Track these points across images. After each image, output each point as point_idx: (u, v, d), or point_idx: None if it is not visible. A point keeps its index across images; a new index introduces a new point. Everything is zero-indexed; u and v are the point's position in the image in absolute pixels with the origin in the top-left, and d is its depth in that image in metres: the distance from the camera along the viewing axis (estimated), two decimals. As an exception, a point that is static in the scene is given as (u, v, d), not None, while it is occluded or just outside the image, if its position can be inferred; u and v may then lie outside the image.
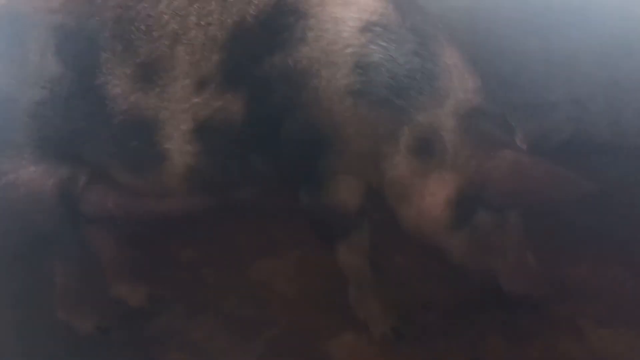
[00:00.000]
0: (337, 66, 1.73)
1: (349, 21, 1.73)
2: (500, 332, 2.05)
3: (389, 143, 1.79)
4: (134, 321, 2.39)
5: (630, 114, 2.57)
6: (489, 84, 1.92)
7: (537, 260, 1.87)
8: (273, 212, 2.41)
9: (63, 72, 1.82)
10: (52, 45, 1.81)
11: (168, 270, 2.62)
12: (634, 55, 2.49)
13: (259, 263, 2.66)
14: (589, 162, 2.43)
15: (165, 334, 2.32)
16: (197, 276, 2.62)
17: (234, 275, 2.62)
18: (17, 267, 2.37)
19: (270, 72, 1.76)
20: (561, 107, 2.59)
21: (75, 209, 2.05)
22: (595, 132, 2.54)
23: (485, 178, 1.71)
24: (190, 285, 2.58)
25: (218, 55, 1.76)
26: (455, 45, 1.84)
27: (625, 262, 2.24)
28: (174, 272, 2.62)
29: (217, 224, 2.60)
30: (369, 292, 2.09)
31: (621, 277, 2.20)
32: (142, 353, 2.24)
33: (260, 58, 1.76)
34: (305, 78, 1.74)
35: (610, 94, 2.61)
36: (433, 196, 1.79)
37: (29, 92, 1.83)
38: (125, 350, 2.25)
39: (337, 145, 1.81)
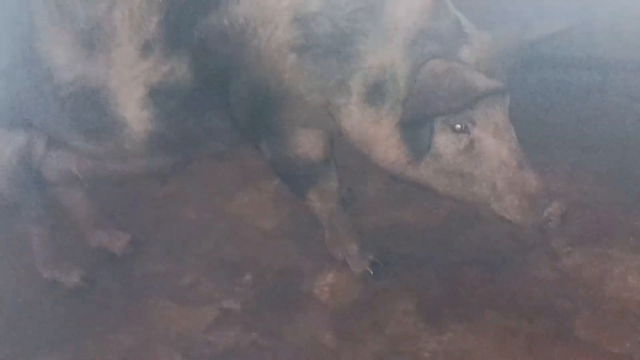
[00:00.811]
0: (274, 22, 1.66)
1: None
2: (475, 260, 2.09)
3: (340, 93, 1.73)
4: (117, 268, 2.43)
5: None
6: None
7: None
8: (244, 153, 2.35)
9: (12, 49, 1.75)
10: None
11: (145, 213, 2.63)
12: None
13: (237, 196, 2.67)
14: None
15: (150, 279, 2.36)
16: (174, 215, 2.64)
17: (213, 211, 2.64)
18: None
19: (208, 33, 1.69)
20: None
21: (37, 174, 2.03)
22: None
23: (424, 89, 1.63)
24: (169, 225, 2.60)
25: (156, 17, 1.69)
26: None
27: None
28: (151, 213, 2.64)
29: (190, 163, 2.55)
30: (344, 233, 2.10)
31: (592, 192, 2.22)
32: (130, 300, 2.29)
33: (196, 18, 1.69)
34: (244, 38, 1.68)
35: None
36: (387, 140, 1.74)
37: None
38: (113, 299, 2.30)
39: (288, 102, 1.76)
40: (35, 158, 1.98)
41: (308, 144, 1.86)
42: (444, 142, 1.70)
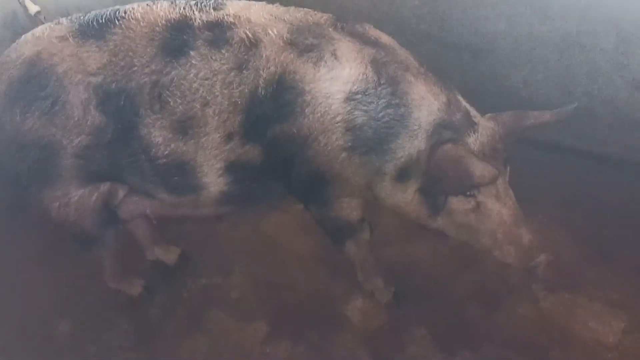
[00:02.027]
0: (330, 132, 2.13)
1: (336, 94, 2.08)
2: (474, 295, 2.69)
3: (377, 177, 2.23)
4: (174, 281, 2.89)
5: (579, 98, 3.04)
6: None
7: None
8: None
9: (106, 123, 2.13)
10: (94, 101, 2.10)
11: (193, 230, 3.07)
12: (586, 47, 2.89)
13: (269, 217, 3.14)
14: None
15: (204, 292, 2.84)
16: (218, 232, 3.09)
17: (250, 230, 3.11)
18: (71, 260, 2.83)
19: (278, 135, 2.14)
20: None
21: (113, 213, 2.44)
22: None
23: (437, 172, 2.14)
24: (214, 242, 3.06)
25: (239, 117, 2.11)
26: (421, 75, 2.15)
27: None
28: (198, 231, 3.08)
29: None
30: (372, 272, 2.67)
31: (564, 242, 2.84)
32: (190, 310, 2.76)
33: (270, 123, 2.13)
34: (307, 141, 2.15)
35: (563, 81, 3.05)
36: (412, 202, 2.26)
37: (75, 139, 2.14)
38: (174, 308, 2.77)
39: (337, 183, 2.25)
40: (114, 202, 2.38)
41: (349, 209, 2.37)
42: (456, 203, 2.23)
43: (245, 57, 2.07)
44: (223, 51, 2.07)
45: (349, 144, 2.13)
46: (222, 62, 2.07)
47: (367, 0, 3.42)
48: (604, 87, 3.00)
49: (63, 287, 2.88)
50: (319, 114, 2.09)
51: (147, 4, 2.18)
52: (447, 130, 2.14)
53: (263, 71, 2.07)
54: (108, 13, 2.16)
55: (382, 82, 2.10)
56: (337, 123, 2.10)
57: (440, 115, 2.14)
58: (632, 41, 2.85)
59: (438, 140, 2.13)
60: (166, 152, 2.16)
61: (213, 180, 2.24)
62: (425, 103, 2.13)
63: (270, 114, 2.10)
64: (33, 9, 3.36)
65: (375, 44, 2.17)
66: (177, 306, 2.79)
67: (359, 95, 2.08)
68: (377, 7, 3.37)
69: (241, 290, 2.84)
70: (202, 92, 2.08)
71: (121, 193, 2.38)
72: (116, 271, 2.75)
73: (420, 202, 2.25)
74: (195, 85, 2.08)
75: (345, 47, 2.12)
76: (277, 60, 2.07)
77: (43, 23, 3.33)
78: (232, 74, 2.07)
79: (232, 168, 2.21)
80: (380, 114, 2.10)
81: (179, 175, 2.23)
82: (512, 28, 3.03)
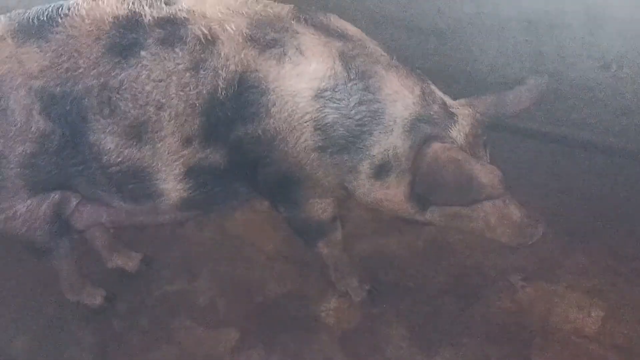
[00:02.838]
0: (299, 132, 1.99)
1: (303, 92, 1.95)
2: (451, 289, 2.61)
3: (352, 175, 2.10)
4: (137, 289, 2.74)
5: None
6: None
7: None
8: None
9: (52, 129, 1.96)
10: (37, 106, 1.93)
11: (154, 234, 2.92)
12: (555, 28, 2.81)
13: (236, 217, 3.00)
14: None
15: (169, 299, 2.70)
16: (181, 235, 2.94)
17: (215, 231, 2.97)
18: (22, 271, 2.68)
19: (243, 137, 2.00)
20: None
21: (66, 222, 2.27)
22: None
23: (432, 179, 2.03)
24: (177, 245, 2.91)
25: (198, 120, 1.97)
26: (392, 68, 2.03)
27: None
28: (159, 233, 2.93)
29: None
30: (346, 271, 2.56)
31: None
32: (155, 320, 2.62)
33: (233, 125, 1.99)
34: (274, 142, 2.01)
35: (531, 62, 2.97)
36: (395, 198, 2.15)
37: (18, 148, 1.98)
38: (138, 319, 2.62)
39: (308, 183, 2.12)
40: (66, 211, 2.22)
41: (320, 210, 2.25)
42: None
43: (202, 55, 1.92)
44: (177, 50, 1.91)
45: (320, 143, 2.00)
46: (176, 62, 1.91)
47: (327, -16, 3.29)
48: (573, 68, 2.93)
49: (17, 299, 2.72)
50: (286, 114, 1.96)
51: (93, 0, 1.99)
52: (425, 125, 2.03)
53: (222, 70, 1.92)
54: (50, 10, 1.97)
55: (352, 77, 1.97)
56: (305, 122, 1.97)
57: (417, 109, 2.03)
58: (601, 19, 2.78)
59: (420, 137, 2.02)
60: (119, 159, 2.00)
61: (172, 186, 2.09)
62: (400, 97, 2.01)
63: (232, 116, 1.96)
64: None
65: (341, 36, 2.03)
66: (142, 316, 2.64)
67: (328, 92, 1.95)
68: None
69: (209, 295, 2.71)
70: (156, 94, 1.93)
71: (73, 201, 2.21)
72: (74, 282, 2.58)
73: (407, 198, 2.13)
74: (147, 87, 1.92)
75: (310, 40, 1.98)
76: (237, 58, 1.93)
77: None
78: (188, 74, 1.92)
79: (192, 173, 2.06)
80: (352, 112, 1.98)
81: (135, 183, 2.07)
82: (478, 9, 2.93)
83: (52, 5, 2.00)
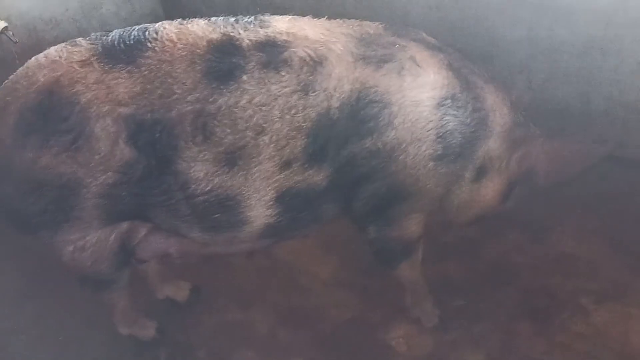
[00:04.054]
0: (421, 141, 1.98)
1: (426, 101, 1.96)
2: (523, 313, 2.52)
3: (458, 183, 2.14)
4: (189, 319, 2.58)
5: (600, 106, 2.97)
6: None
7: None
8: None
9: (137, 158, 1.84)
10: (124, 134, 1.81)
11: (204, 263, 2.76)
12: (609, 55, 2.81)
13: (285, 243, 2.86)
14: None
15: (224, 329, 2.54)
16: (230, 263, 2.80)
17: (266, 258, 2.83)
18: (80, 303, 2.50)
19: (357, 152, 1.95)
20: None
21: (130, 254, 2.15)
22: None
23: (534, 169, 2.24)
24: (228, 273, 2.76)
25: (302, 141, 1.89)
26: (488, 80, 2.14)
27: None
28: (209, 262, 2.77)
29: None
30: (422, 295, 2.47)
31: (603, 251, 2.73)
32: (211, 351, 2.46)
33: (347, 142, 1.93)
34: (394, 154, 1.98)
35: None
36: (490, 197, 2.22)
37: (100, 177, 1.85)
38: (194, 351, 2.46)
39: (417, 196, 2.09)
40: (133, 241, 2.10)
41: (415, 225, 2.21)
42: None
43: (310, 77, 1.85)
44: (283, 73, 1.84)
45: (439, 152, 2.00)
46: (282, 85, 1.84)
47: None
48: (626, 92, 2.91)
49: (61, 336, 2.54)
50: (409, 124, 1.94)
51: (180, 23, 1.91)
52: (519, 128, 2.17)
53: (335, 91, 1.87)
54: (135, 33, 1.88)
55: (464, 86, 2.01)
56: (428, 131, 1.96)
57: (511, 116, 2.14)
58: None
59: (515, 139, 2.15)
60: (208, 187, 1.89)
61: (260, 213, 1.98)
62: (498, 107, 2.09)
63: (346, 133, 1.91)
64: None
65: (439, 48, 2.05)
66: (199, 348, 2.48)
67: (449, 101, 1.97)
68: (379, 11, 3.19)
69: (267, 324, 2.57)
70: (257, 119, 1.84)
71: (142, 231, 2.08)
72: (127, 314, 2.42)
73: (499, 193, 2.22)
74: (248, 112, 1.83)
75: (420, 53, 1.99)
76: (351, 77, 1.89)
77: (11, 40, 3.01)
78: (295, 97, 1.85)
79: (284, 197, 1.97)
80: (469, 119, 2.01)
81: (221, 212, 1.96)
82: (530, 32, 2.90)
83: (136, 29, 1.90)
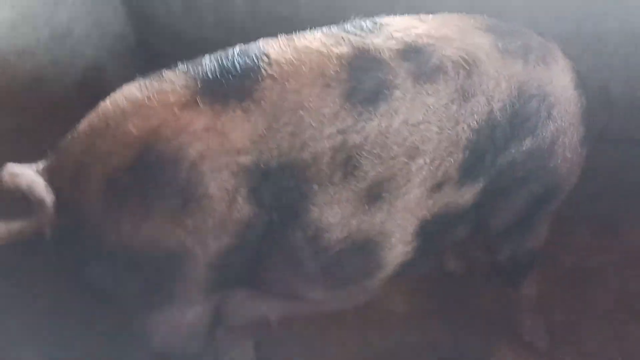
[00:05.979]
0: (573, 126, 1.79)
1: (569, 84, 1.78)
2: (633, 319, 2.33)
3: None
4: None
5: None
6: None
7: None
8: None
9: (257, 216, 1.47)
10: (243, 190, 1.44)
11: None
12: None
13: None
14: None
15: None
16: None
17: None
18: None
19: (516, 156, 1.70)
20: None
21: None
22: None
23: None
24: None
25: (459, 157, 1.62)
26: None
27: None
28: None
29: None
30: (536, 314, 2.24)
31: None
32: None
33: (506, 147, 1.69)
34: (553, 148, 1.76)
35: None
36: None
37: (213, 245, 1.46)
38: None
39: (564, 192, 1.90)
40: (227, 308, 1.71)
41: (546, 230, 2.02)
42: None
43: (469, 81, 1.57)
44: (440, 81, 1.53)
45: (582, 134, 1.82)
46: (439, 96, 1.53)
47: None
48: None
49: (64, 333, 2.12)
50: (564, 112, 1.73)
51: (292, 39, 1.54)
52: None
53: (495, 92, 1.60)
54: (239, 60, 1.48)
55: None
56: (577, 115, 1.78)
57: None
58: None
59: None
60: (343, 234, 1.54)
61: (399, 250, 1.65)
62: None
63: (508, 136, 1.65)
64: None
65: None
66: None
67: (578, 81, 1.80)
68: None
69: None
70: (412, 141, 1.53)
71: (238, 296, 1.69)
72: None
73: None
74: (402, 134, 1.52)
75: (538, 38, 1.78)
76: (506, 74, 1.62)
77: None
78: (455, 107, 1.56)
79: (427, 226, 1.65)
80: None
81: (355, 261, 1.62)
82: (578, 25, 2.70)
83: (235, 55, 1.50)
